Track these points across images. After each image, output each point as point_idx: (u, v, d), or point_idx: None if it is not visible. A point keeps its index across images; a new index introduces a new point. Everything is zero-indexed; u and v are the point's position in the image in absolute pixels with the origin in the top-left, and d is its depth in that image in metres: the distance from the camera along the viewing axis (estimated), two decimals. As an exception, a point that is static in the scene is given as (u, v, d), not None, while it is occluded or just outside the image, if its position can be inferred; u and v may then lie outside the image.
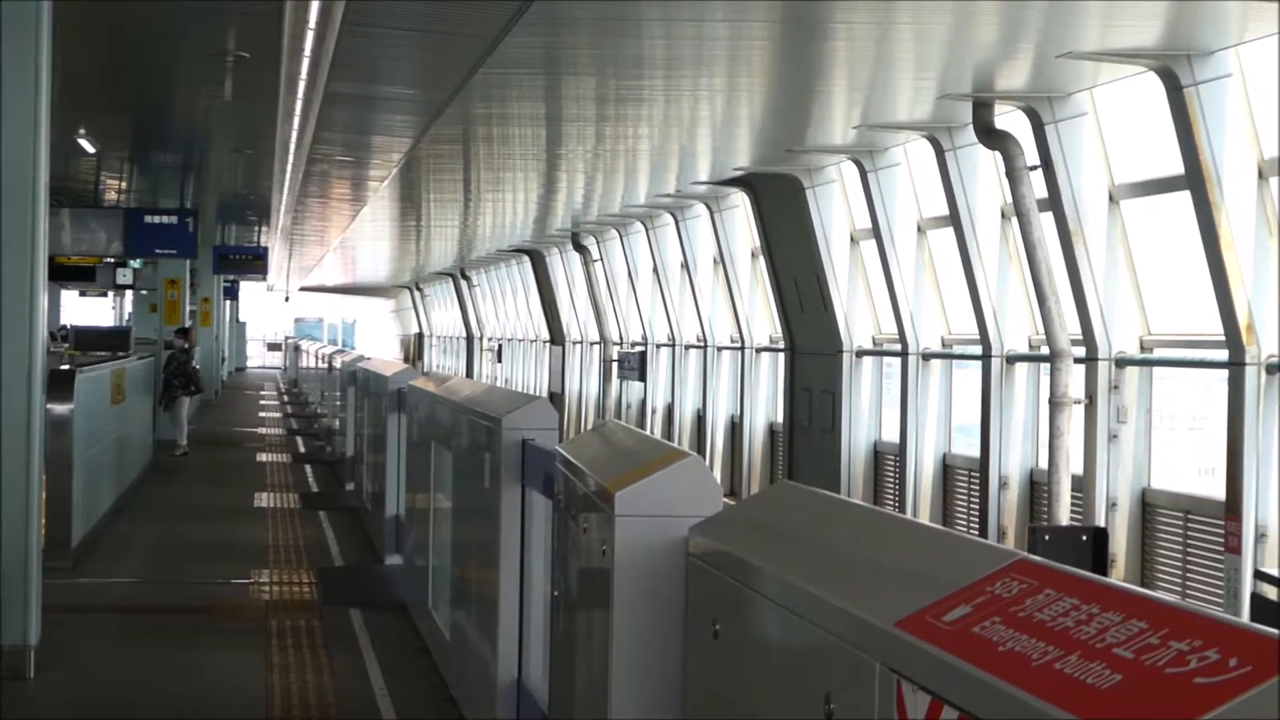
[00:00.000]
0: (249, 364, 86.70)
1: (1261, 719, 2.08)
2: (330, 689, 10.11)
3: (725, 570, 4.22)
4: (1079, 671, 2.41)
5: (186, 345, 28.95)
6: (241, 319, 78.84)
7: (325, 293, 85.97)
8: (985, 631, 2.74)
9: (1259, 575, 9.05)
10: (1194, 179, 14.32)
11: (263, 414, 41.45)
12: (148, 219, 27.94)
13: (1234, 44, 13.97)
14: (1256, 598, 10.59)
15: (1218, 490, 14.79)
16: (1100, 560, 14.05)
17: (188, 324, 32.82)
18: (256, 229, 39.09)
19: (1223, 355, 14.54)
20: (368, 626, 12.18)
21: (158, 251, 28.89)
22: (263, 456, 27.98)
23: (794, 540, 4.13)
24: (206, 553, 16.12)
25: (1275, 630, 2.30)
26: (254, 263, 39.68)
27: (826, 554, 3.86)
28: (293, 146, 20.47)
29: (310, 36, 13.29)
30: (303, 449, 29.93)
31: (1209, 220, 14.19)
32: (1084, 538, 14.30)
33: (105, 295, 52.50)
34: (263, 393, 53.84)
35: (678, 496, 4.72)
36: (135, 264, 35.50)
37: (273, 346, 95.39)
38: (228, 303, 59.75)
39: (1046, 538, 14.18)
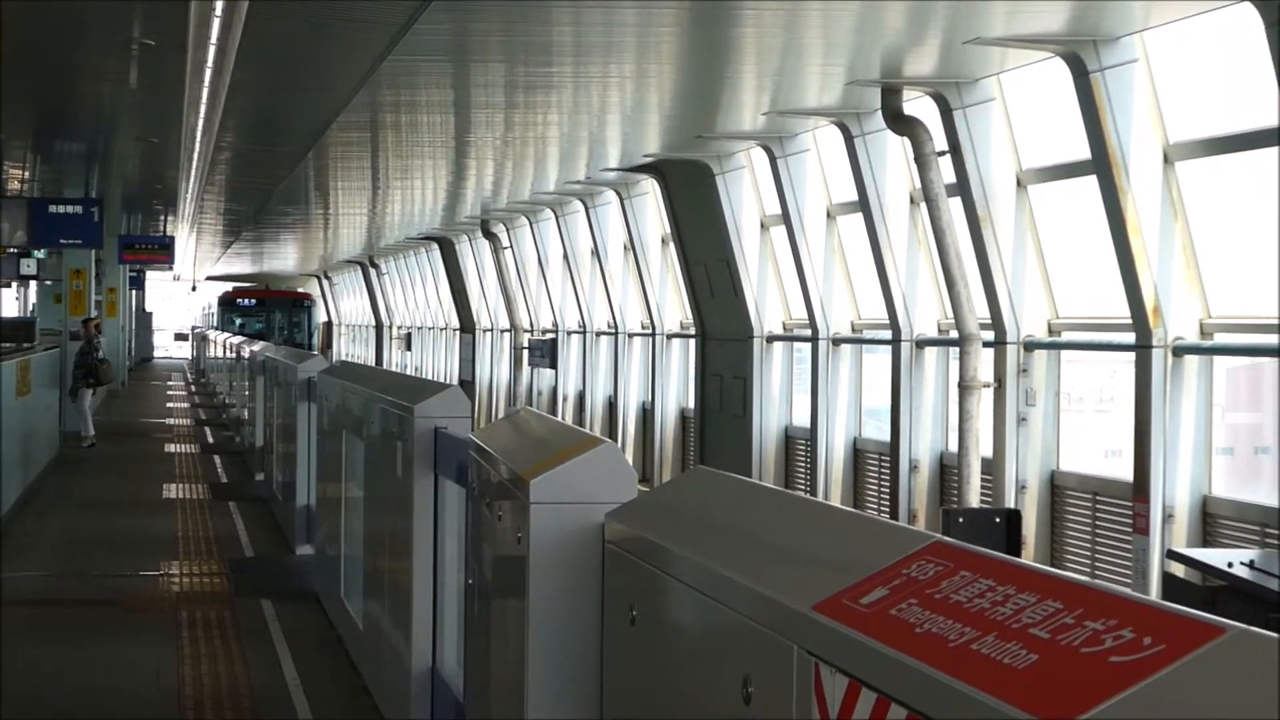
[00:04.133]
0: (156, 354, 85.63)
1: (1176, 696, 2.10)
2: (243, 680, 10.05)
3: (642, 556, 4.23)
4: (996, 652, 2.43)
5: (88, 336, 28.63)
6: (148, 309, 78.11)
7: (233, 281, 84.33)
8: (902, 613, 2.76)
9: (1171, 555, 9.15)
10: (1100, 164, 14.44)
11: (170, 405, 41.14)
12: (52, 209, 27.65)
13: (1139, 29, 14.10)
14: (1169, 577, 10.70)
15: (1126, 472, 14.93)
16: (1014, 542, 14.17)
17: (92, 315, 32.45)
18: (162, 218, 38.76)
19: (1130, 338, 14.67)
20: (280, 617, 12.11)
21: (62, 241, 28.60)
22: (171, 447, 27.77)
23: (711, 525, 4.13)
24: (115, 545, 15.99)
25: (1188, 609, 2.32)
26: (160, 252, 39.36)
27: (743, 539, 3.86)
28: (199, 135, 20.32)
29: (216, 24, 13.20)
30: (211, 439, 29.73)
31: (1115, 204, 14.32)
32: (998, 520, 14.41)
33: (9, 286, 51.92)
34: (170, 383, 53.43)
35: (593, 483, 4.72)
36: (39, 254, 35.11)
37: (180, 336, 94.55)
38: (133, 292, 59.21)
39: (960, 520, 14.28)
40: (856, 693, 2.73)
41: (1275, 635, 2.14)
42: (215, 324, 65.02)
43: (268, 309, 64.44)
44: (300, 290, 73.18)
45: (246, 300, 65.43)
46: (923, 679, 2.51)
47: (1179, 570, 10.57)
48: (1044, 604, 2.50)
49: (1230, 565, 6.92)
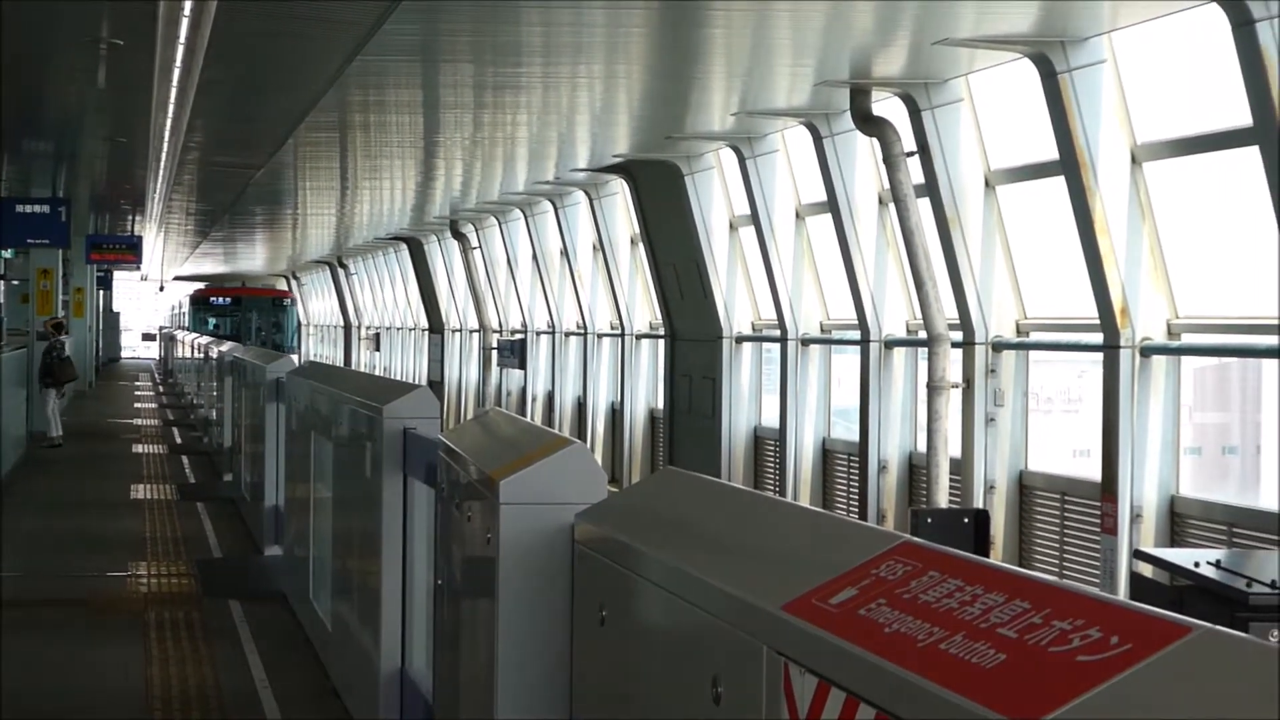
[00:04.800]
0: (123, 355, 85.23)
1: (1143, 695, 2.11)
2: (211, 681, 10.02)
3: (611, 557, 4.23)
4: (964, 652, 2.44)
5: (49, 336, 28.44)
6: (115, 309, 77.80)
7: (201, 281, 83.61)
8: (871, 613, 2.76)
9: (1138, 555, 9.19)
10: (1068, 164, 14.48)
11: (138, 405, 41.03)
12: (19, 208, 27.57)
13: (1107, 30, 14.14)
14: (1136, 577, 10.75)
15: (1094, 472, 14.98)
16: (982, 542, 14.20)
17: (55, 315, 32.24)
18: (130, 218, 38.65)
19: (1098, 338, 14.71)
20: (248, 618, 12.09)
21: (29, 241, 28.52)
22: (139, 448, 27.69)
23: (680, 526, 4.14)
24: (83, 545, 15.94)
25: (1155, 609, 2.33)
26: (127, 252, 39.24)
27: (713, 539, 3.87)
28: (167, 135, 20.27)
29: (185, 24, 13.17)
30: (179, 440, 29.65)
31: (1083, 205, 14.36)
32: (966, 520, 14.43)
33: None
34: (138, 384, 53.27)
35: (563, 484, 4.72)
36: (6, 254, 34.99)
37: (148, 337, 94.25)
38: (101, 293, 58.99)
39: (929, 520, 14.30)
40: (826, 693, 2.74)
41: (1241, 634, 2.15)
42: (187, 324, 59.37)
43: (244, 308, 58.73)
44: (279, 288, 67.54)
45: (220, 299, 59.94)
46: (891, 679, 2.52)
47: (1147, 570, 10.61)
48: (1012, 604, 2.51)
49: (1197, 565, 6.94)
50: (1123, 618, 2.31)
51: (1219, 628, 2.17)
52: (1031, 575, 2.65)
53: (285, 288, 71.03)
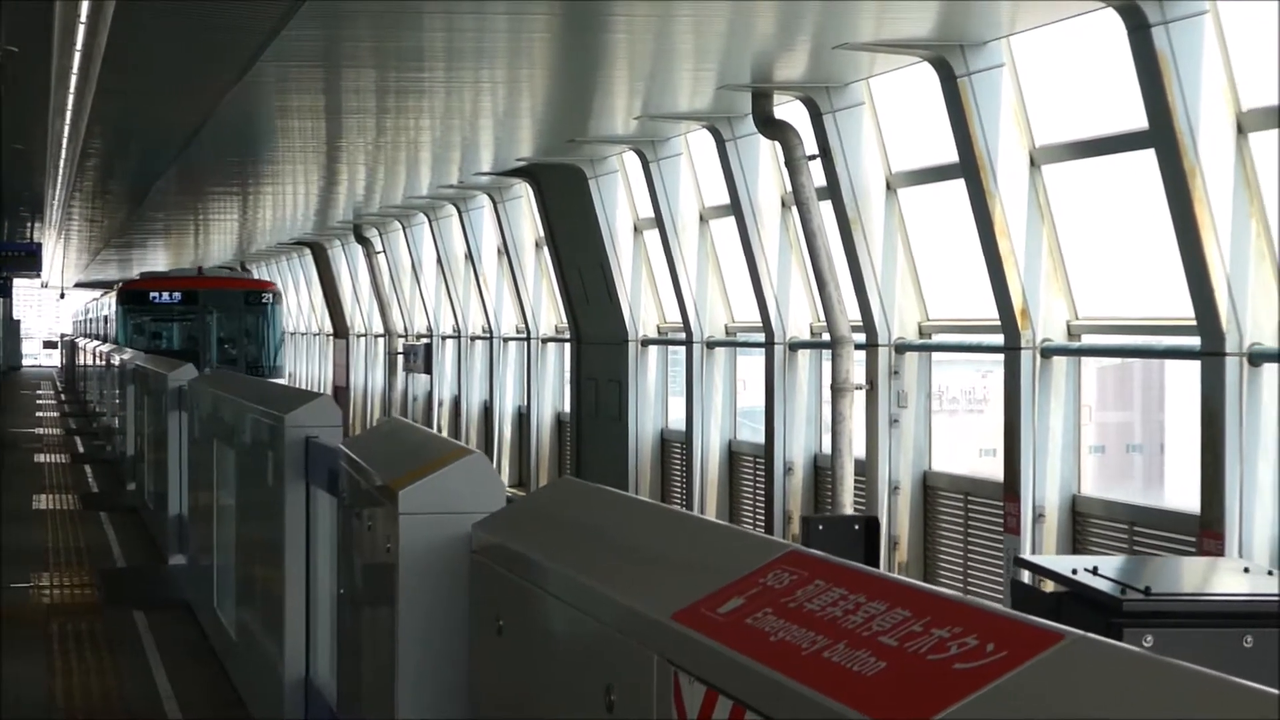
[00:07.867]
0: (25, 363, 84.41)
1: (1015, 701, 2.16)
2: (115, 692, 9.97)
3: (507, 566, 4.26)
4: (846, 660, 2.48)
5: None
6: (15, 316, 77.02)
7: (103, 288, 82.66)
8: (758, 622, 2.80)
9: (1019, 562, 9.28)
10: (968, 167, 14.61)
11: (40, 414, 40.63)
12: (-83, 216, 27.27)
13: (1005, 35, 14.28)
14: (1017, 584, 10.89)
15: (997, 472, 15.11)
16: (872, 548, 14.25)
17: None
18: (29, 224, 38.25)
19: (999, 340, 14.85)
20: (152, 628, 12.01)
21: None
22: (41, 457, 27.42)
23: (575, 535, 4.17)
24: (-16, 557, 15.77)
25: (1031, 616, 2.38)
26: (27, 259, 38.81)
27: (606, 548, 3.91)
28: (65, 141, 20.12)
29: (82, 30, 13.09)
30: (82, 449, 29.38)
31: (983, 207, 14.49)
32: (856, 526, 14.48)
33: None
34: (39, 392, 52.76)
35: (461, 493, 4.74)
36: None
37: (49, 344, 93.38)
38: (0, 300, 58.45)
39: (820, 528, 14.34)
40: (714, 700, 2.78)
41: (1111, 641, 2.21)
42: (116, 334, 38.51)
43: (201, 308, 37.02)
44: (254, 278, 48.85)
45: (164, 294, 37.48)
46: (776, 687, 2.56)
47: (1027, 576, 10.76)
48: (893, 612, 2.56)
49: (1075, 572, 7.05)
50: (999, 625, 2.36)
51: (1090, 635, 2.23)
52: (913, 583, 2.70)
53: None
